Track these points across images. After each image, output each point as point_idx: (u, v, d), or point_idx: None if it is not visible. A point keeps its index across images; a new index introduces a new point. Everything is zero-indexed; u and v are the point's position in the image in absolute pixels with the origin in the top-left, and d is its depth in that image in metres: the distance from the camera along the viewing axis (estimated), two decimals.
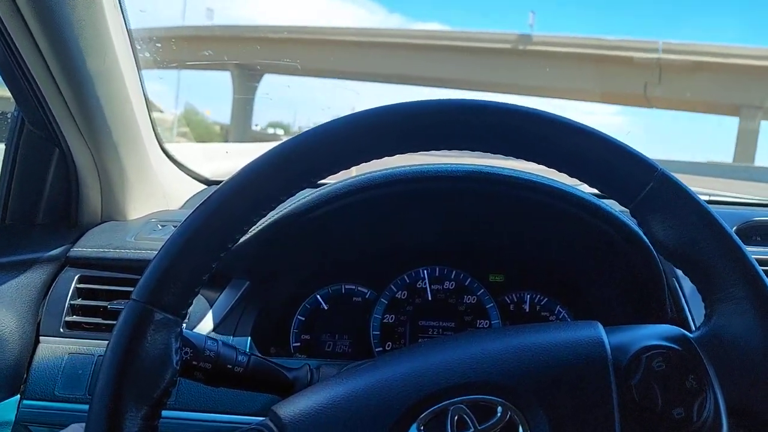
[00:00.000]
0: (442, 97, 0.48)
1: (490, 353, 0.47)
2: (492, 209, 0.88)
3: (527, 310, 0.94)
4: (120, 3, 0.89)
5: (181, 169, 1.20)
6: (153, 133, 1.07)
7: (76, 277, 0.89)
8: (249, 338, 0.83)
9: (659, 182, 0.47)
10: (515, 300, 0.95)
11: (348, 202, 0.82)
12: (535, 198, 0.81)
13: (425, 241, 0.95)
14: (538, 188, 0.80)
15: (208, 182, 1.26)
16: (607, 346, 0.46)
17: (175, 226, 0.99)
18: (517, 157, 0.49)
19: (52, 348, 0.86)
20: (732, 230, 0.47)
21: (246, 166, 0.46)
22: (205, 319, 0.83)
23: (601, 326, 0.48)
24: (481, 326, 0.93)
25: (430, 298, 0.95)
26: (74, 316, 0.87)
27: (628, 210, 0.50)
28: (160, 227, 0.98)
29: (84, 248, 0.92)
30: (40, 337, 0.86)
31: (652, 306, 0.83)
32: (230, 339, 0.82)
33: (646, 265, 0.80)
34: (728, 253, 0.46)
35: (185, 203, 1.17)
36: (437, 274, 0.95)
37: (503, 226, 0.91)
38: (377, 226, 0.91)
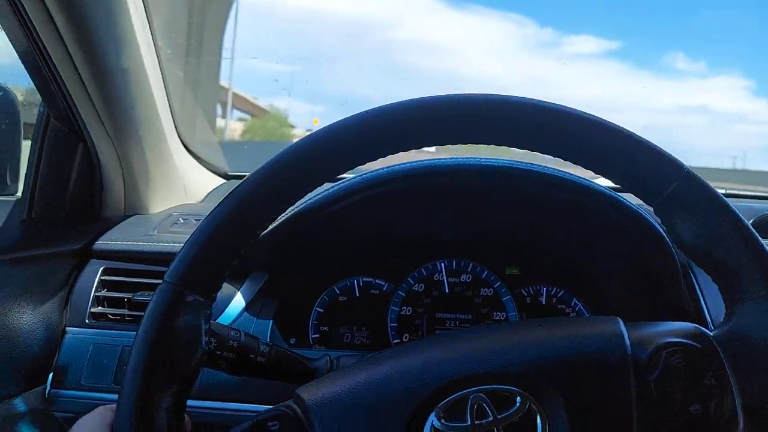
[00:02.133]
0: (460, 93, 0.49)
1: (510, 344, 0.48)
2: (509, 203, 0.88)
3: (543, 302, 0.94)
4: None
5: (201, 164, 1.22)
6: (174, 127, 1.09)
7: (101, 269, 0.91)
8: (269, 330, 0.85)
9: (685, 181, 0.47)
10: (531, 293, 0.95)
11: (365, 196, 0.83)
12: (553, 192, 0.82)
13: (442, 234, 0.96)
14: (556, 182, 0.80)
15: (228, 176, 1.28)
16: (627, 341, 0.46)
17: (197, 220, 1.01)
18: (542, 152, 0.50)
19: (78, 338, 0.88)
20: (755, 231, 0.47)
21: (276, 156, 0.48)
22: (226, 311, 0.84)
23: (621, 321, 0.49)
24: (497, 318, 0.94)
25: (447, 291, 0.95)
26: (99, 307, 0.89)
27: (647, 205, 0.50)
28: (182, 221, 1.00)
29: (108, 241, 0.94)
30: (67, 328, 0.89)
31: (669, 299, 0.83)
32: (251, 329, 0.84)
33: (664, 259, 0.80)
34: (752, 253, 0.46)
35: (205, 197, 1.19)
36: (454, 267, 0.96)
37: (520, 219, 0.91)
38: (395, 220, 0.92)
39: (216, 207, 0.48)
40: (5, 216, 0.96)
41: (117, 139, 0.93)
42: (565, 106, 0.48)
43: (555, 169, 0.80)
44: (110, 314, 0.89)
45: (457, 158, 0.82)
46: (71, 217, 0.98)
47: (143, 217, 1.01)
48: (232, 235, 0.47)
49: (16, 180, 0.95)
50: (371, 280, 0.96)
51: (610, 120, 0.48)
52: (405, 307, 0.95)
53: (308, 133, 0.49)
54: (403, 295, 0.95)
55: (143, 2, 0.91)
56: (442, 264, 0.96)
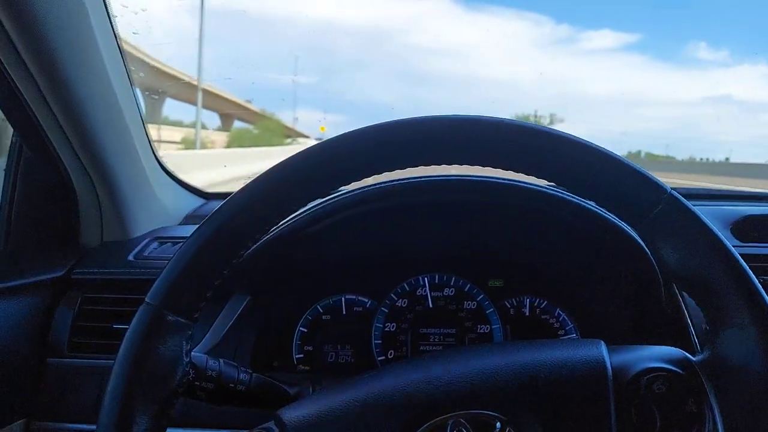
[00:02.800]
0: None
1: (492, 368, 0.48)
2: (489, 217, 0.88)
3: (527, 314, 0.95)
4: (112, 24, 0.90)
5: (179, 184, 1.21)
6: (151, 150, 1.08)
7: (80, 299, 0.90)
8: (251, 352, 0.84)
9: (667, 204, 0.46)
10: (515, 304, 0.95)
11: (345, 216, 0.83)
12: (533, 205, 0.82)
13: (424, 249, 0.96)
14: (534, 195, 0.80)
15: (207, 195, 1.27)
16: (609, 366, 0.46)
17: (174, 244, 1.00)
18: (525, 173, 0.49)
19: (59, 369, 0.87)
20: (739, 257, 0.46)
21: (260, 175, 0.47)
22: (207, 335, 0.83)
23: (604, 345, 0.49)
24: (482, 331, 0.94)
25: (430, 306, 0.95)
26: (79, 337, 0.88)
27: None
28: (159, 245, 0.99)
29: (86, 270, 0.93)
30: (48, 359, 0.88)
31: (650, 305, 0.83)
32: (233, 354, 0.83)
33: (642, 266, 0.80)
34: (735, 280, 0.45)
35: (185, 218, 1.18)
36: (437, 281, 0.96)
37: (501, 232, 0.91)
38: (376, 237, 0.92)
39: (198, 227, 0.47)
40: None
41: (90, 167, 0.92)
42: (551, 129, 0.47)
43: (531, 183, 0.80)
44: (90, 344, 0.88)
45: (433, 176, 0.82)
46: (49, 246, 0.97)
47: (121, 243, 1.00)
48: (214, 256, 0.47)
49: None
50: (354, 297, 0.96)
51: (613, 140, 0.47)
52: (389, 324, 0.94)
53: (313, 144, 0.49)
54: (387, 311, 0.95)
55: (112, 29, 0.90)
56: (425, 279, 0.96)
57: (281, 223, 0.63)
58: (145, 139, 1.05)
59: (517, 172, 0.49)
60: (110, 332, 0.88)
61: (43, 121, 0.84)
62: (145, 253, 0.97)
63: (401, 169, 0.50)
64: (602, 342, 0.49)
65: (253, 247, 0.77)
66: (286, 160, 0.47)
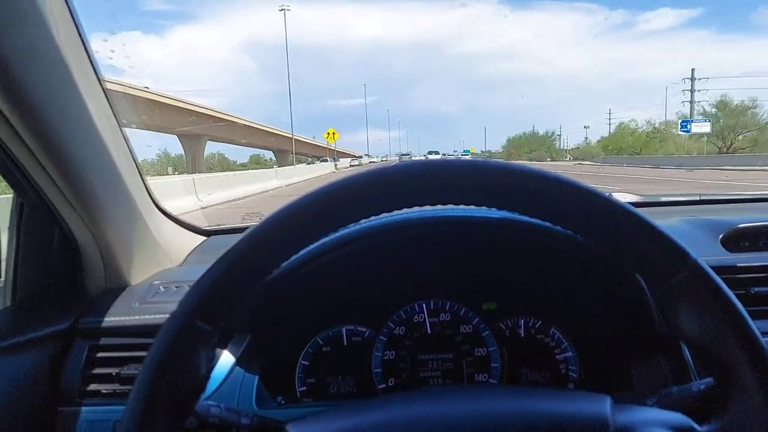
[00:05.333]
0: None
1: (496, 414, 0.49)
2: (480, 243, 0.90)
3: (522, 334, 0.96)
4: (97, 74, 0.92)
5: (179, 224, 1.24)
6: (148, 194, 1.11)
7: (87, 347, 0.93)
8: (254, 392, 0.87)
9: (692, 272, 0.46)
10: (510, 326, 0.96)
11: (340, 254, 0.84)
12: (520, 235, 0.83)
13: (417, 277, 0.97)
14: (520, 226, 0.81)
15: (208, 233, 1.29)
16: (611, 427, 0.46)
17: (177, 287, 1.03)
18: (549, 222, 0.50)
19: (71, 417, 0.90)
20: (757, 330, 0.45)
21: (304, 195, 0.50)
22: (210, 379, 0.85)
23: (609, 402, 0.48)
24: (479, 354, 0.95)
25: (429, 332, 0.97)
26: (89, 385, 0.91)
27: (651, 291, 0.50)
28: (162, 289, 1.02)
29: (91, 318, 0.96)
30: (59, 408, 0.91)
31: (644, 325, 0.84)
32: (236, 393, 0.85)
33: (630, 287, 0.81)
34: (752, 356, 0.45)
35: (186, 257, 1.21)
36: (432, 307, 0.98)
37: (492, 257, 0.93)
38: (370, 270, 0.94)
39: (234, 245, 0.50)
40: None
41: (88, 219, 0.95)
42: (580, 183, 0.48)
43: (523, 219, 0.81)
44: (99, 391, 0.91)
45: (432, 210, 0.83)
46: (54, 298, 1.00)
47: (124, 289, 1.03)
48: (244, 272, 0.50)
49: None
50: (353, 327, 0.98)
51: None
52: (388, 352, 0.96)
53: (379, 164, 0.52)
54: (385, 339, 0.96)
55: (97, 78, 0.93)
56: (422, 305, 0.98)
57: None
58: (140, 184, 1.07)
59: (541, 219, 0.50)
60: (119, 378, 0.90)
61: (38, 180, 0.87)
62: (149, 298, 1.00)
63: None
64: (608, 399, 0.49)
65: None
66: (329, 184, 0.50)
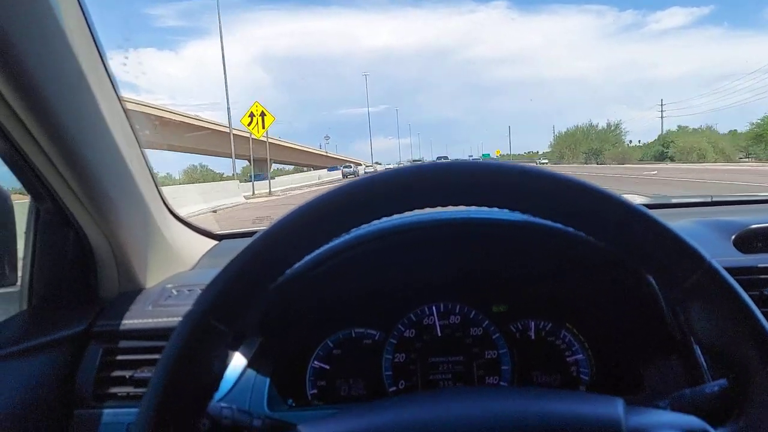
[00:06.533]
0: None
1: (508, 416, 0.49)
2: (490, 245, 0.90)
3: (533, 337, 0.96)
4: (112, 81, 0.94)
5: (191, 228, 1.25)
6: (161, 199, 1.13)
7: (101, 350, 0.95)
8: (266, 394, 0.87)
9: (706, 274, 0.46)
10: (520, 328, 0.96)
11: (349, 256, 0.85)
12: (528, 236, 0.83)
13: (427, 279, 0.98)
14: (539, 229, 0.81)
15: (219, 237, 1.31)
16: (624, 430, 0.46)
17: (189, 291, 1.04)
18: (563, 224, 0.50)
19: (86, 420, 0.91)
20: None
21: (317, 197, 0.51)
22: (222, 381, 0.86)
23: (621, 405, 0.48)
24: (489, 357, 0.95)
25: (439, 334, 0.97)
26: (103, 388, 0.92)
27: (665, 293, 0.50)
28: (175, 293, 1.03)
29: (105, 322, 0.97)
30: (74, 411, 0.92)
31: (655, 325, 0.84)
32: (247, 395, 0.86)
33: (641, 288, 0.81)
34: (765, 355, 0.45)
35: (199, 261, 1.22)
36: (442, 309, 0.98)
37: (502, 259, 0.93)
38: (381, 272, 0.94)
39: (250, 243, 0.51)
40: (7, 307, 1.00)
41: (102, 223, 0.96)
42: (596, 186, 0.48)
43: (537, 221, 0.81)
44: (114, 394, 0.92)
45: (444, 212, 0.83)
46: (69, 301, 1.01)
47: (138, 293, 1.05)
48: (259, 270, 0.51)
49: (14, 270, 1.00)
50: (363, 330, 0.98)
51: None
52: (398, 354, 0.97)
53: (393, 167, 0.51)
54: (395, 342, 0.97)
55: (112, 85, 0.95)
56: (431, 308, 0.98)
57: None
58: (154, 189, 1.09)
59: (553, 221, 0.51)
60: (133, 381, 0.92)
61: (54, 185, 0.89)
62: (162, 302, 1.01)
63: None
64: (621, 401, 0.49)
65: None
66: (346, 183, 0.51)
